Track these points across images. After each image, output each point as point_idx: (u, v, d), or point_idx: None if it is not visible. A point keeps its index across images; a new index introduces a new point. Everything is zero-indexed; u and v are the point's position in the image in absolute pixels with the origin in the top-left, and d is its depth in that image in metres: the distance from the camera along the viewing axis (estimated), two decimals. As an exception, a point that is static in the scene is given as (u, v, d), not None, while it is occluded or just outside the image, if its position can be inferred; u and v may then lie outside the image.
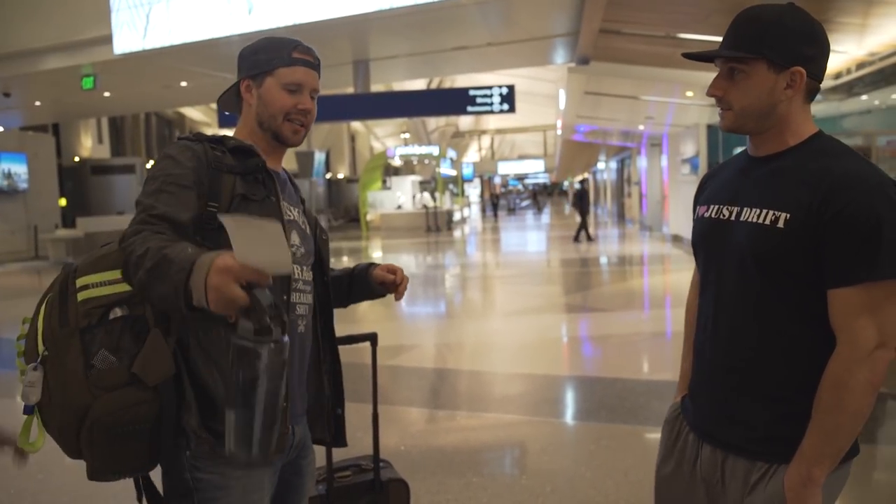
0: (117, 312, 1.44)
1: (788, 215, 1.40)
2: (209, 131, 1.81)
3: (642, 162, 21.90)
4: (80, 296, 1.45)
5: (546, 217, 35.20)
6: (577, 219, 18.84)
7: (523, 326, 8.03)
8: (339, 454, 2.56)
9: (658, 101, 13.30)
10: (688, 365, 1.74)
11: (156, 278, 1.29)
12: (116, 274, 1.45)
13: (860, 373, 1.35)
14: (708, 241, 1.60)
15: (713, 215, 1.58)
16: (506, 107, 12.14)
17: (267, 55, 1.60)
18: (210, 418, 1.46)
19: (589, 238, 17.79)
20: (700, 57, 1.52)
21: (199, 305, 1.22)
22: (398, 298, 1.82)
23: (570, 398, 5.22)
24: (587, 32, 9.14)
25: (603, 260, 14.83)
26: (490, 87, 12.29)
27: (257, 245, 1.19)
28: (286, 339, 1.22)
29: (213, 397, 1.47)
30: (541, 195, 55.58)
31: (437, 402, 5.22)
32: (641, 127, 17.85)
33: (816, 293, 1.40)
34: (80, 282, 1.47)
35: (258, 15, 10.11)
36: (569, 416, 4.81)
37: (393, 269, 1.80)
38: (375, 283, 1.81)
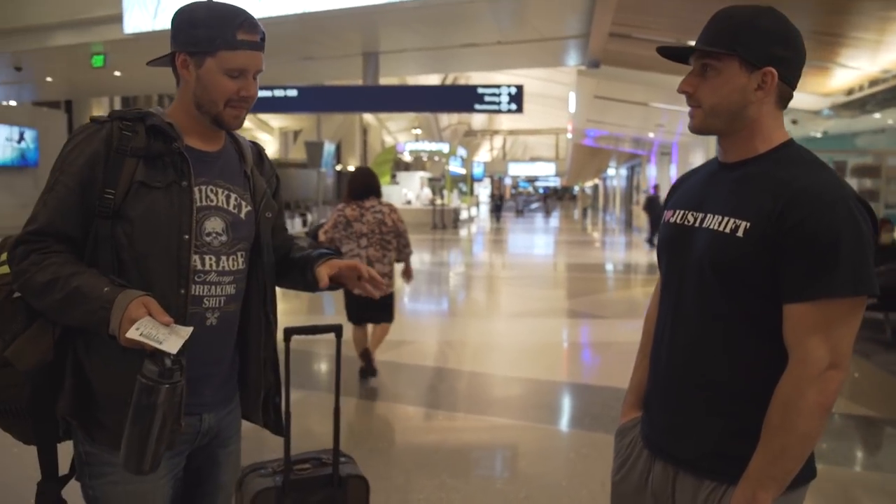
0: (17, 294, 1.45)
1: (749, 224, 1.35)
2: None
3: (652, 170, 21.79)
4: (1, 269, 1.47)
5: (554, 221, 35.08)
6: (647, 224, 18.09)
7: (515, 329, 7.96)
8: (303, 446, 2.51)
9: (668, 109, 13.20)
10: (639, 377, 1.68)
11: (69, 308, 1.37)
12: None
13: (810, 393, 1.29)
14: (670, 247, 1.55)
15: (678, 221, 1.53)
16: (514, 106, 12.03)
17: (208, 32, 1.46)
18: (85, 406, 1.48)
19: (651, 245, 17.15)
20: (675, 54, 1.47)
21: (113, 335, 1.34)
22: (380, 287, 1.68)
23: (555, 404, 5.14)
24: (597, 35, 9.06)
25: (608, 267, 14.74)
26: (499, 86, 12.19)
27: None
28: (183, 381, 1.33)
29: (90, 386, 1.47)
30: (550, 199, 55.40)
31: (420, 400, 5.15)
32: (652, 134, 17.77)
33: (774, 307, 1.34)
34: (2, 256, 1.48)
35: (267, 1, 10.06)
36: (552, 421, 4.74)
37: (354, 267, 1.66)
38: (319, 281, 1.66)
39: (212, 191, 1.54)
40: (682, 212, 1.52)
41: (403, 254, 5.13)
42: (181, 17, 1.50)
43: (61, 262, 1.40)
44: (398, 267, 5.32)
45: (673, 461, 1.49)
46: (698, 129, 1.46)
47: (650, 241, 17.07)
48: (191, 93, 1.51)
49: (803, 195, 1.30)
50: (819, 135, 13.98)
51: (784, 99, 1.42)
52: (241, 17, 1.48)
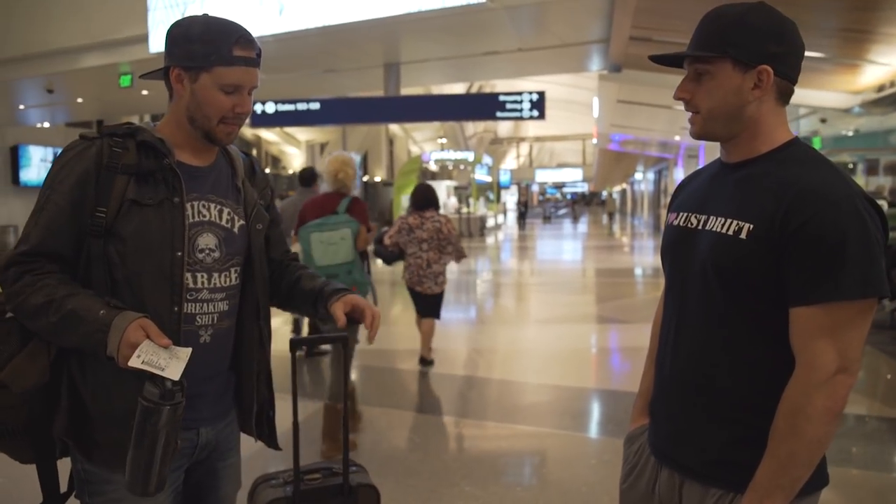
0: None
1: (752, 226, 1.31)
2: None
3: (679, 173, 21.56)
4: None
5: (582, 226, 34.85)
6: None
7: (542, 335, 7.90)
8: (312, 457, 2.53)
9: (693, 111, 13.04)
10: (648, 382, 1.65)
11: (65, 330, 1.37)
12: None
13: (818, 399, 1.25)
14: (673, 250, 1.52)
15: (681, 223, 1.50)
16: (535, 113, 12.00)
17: (204, 48, 1.45)
18: (81, 426, 1.47)
19: None
20: (667, 60, 1.45)
21: (111, 356, 1.35)
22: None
23: (579, 410, 5.09)
24: (617, 40, 9.01)
25: (636, 271, 14.59)
26: (520, 93, 12.17)
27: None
28: (184, 401, 1.34)
29: (86, 406, 1.47)
30: (578, 204, 55.08)
31: (442, 408, 5.14)
32: (678, 137, 17.57)
33: (779, 310, 1.30)
34: None
35: (289, 16, 10.20)
36: (575, 428, 4.68)
37: (360, 309, 1.64)
38: (336, 320, 1.65)
39: (204, 206, 1.54)
40: (685, 214, 1.49)
41: (458, 257, 5.99)
42: (177, 31, 1.49)
43: (55, 284, 1.40)
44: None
45: (679, 469, 1.46)
46: (699, 135, 1.43)
47: None
48: (184, 107, 1.50)
49: (807, 195, 1.26)
50: (850, 133, 13.71)
51: (784, 95, 1.39)
52: (237, 34, 1.47)
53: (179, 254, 1.47)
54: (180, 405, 1.34)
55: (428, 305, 5.92)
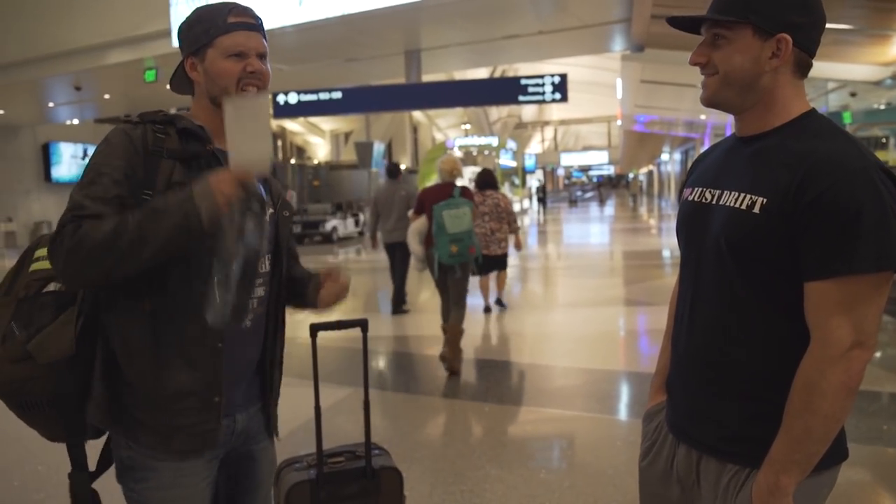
0: (51, 287, 1.46)
1: (765, 200, 1.29)
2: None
3: (706, 152, 21.25)
4: (33, 266, 1.48)
5: (608, 209, 34.60)
6: None
7: (569, 319, 7.89)
8: (336, 440, 2.56)
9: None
10: (665, 360, 1.64)
11: (148, 235, 1.33)
12: (44, 252, 1.45)
13: (833, 374, 1.23)
14: (688, 226, 1.50)
15: (696, 198, 1.48)
16: (558, 96, 11.90)
17: (202, 26, 1.49)
18: (122, 409, 1.47)
19: None
20: (684, 24, 1.42)
21: (209, 220, 1.35)
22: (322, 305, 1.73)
23: (605, 392, 5.07)
24: (639, 18, 8.90)
25: (664, 253, 14.46)
26: (542, 76, 12.07)
27: (246, 140, 1.39)
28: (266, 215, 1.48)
29: (128, 387, 1.46)
30: (605, 187, 54.61)
31: (469, 392, 5.16)
32: (703, 116, 17.32)
33: (793, 285, 1.29)
34: (38, 252, 1.49)
35: (308, 6, 10.22)
36: (602, 410, 4.67)
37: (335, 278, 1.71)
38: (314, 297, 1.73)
39: None
40: (699, 189, 1.48)
41: (513, 227, 7.62)
42: (181, 27, 1.56)
43: (113, 213, 1.37)
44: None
45: (696, 445, 1.46)
46: (711, 99, 1.40)
47: None
48: (204, 91, 1.52)
49: (822, 166, 1.24)
50: (882, 106, 13.40)
51: (802, 67, 1.36)
52: (230, 4, 1.52)
53: None
54: (265, 217, 1.48)
55: (497, 263, 7.62)
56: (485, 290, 7.86)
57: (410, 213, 6.23)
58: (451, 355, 5.33)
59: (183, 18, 1.57)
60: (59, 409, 1.48)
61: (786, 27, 1.30)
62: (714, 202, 1.42)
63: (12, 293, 1.46)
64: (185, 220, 1.33)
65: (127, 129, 1.46)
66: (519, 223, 8.53)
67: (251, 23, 1.51)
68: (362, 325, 2.28)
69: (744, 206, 1.33)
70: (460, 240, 5.30)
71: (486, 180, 7.68)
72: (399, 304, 8.05)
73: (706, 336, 1.43)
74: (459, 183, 5.69)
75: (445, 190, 5.59)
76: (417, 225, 5.63)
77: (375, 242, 8.22)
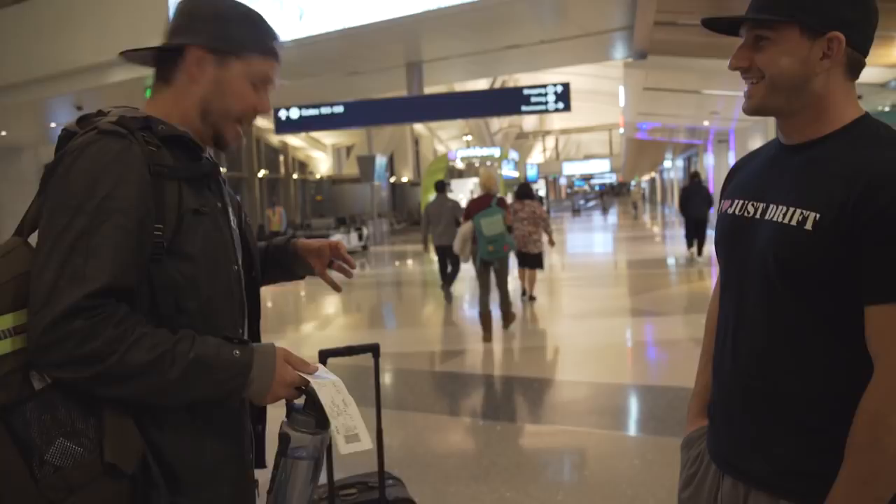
0: (35, 379, 1.06)
1: (818, 215, 1.17)
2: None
3: (709, 159, 21.19)
4: None
5: (612, 218, 34.48)
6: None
7: (575, 331, 7.77)
8: (347, 470, 2.45)
9: (723, 95, 12.78)
10: (704, 381, 1.53)
11: (189, 385, 1.12)
12: (21, 317, 1.07)
13: None
14: (729, 241, 1.38)
15: (737, 212, 1.36)
16: (561, 105, 11.84)
17: (242, 31, 1.26)
18: (177, 495, 1.19)
19: None
20: (723, 26, 1.30)
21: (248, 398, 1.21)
22: (338, 287, 1.60)
23: (618, 407, 4.96)
24: (642, 25, 8.84)
25: (669, 261, 14.34)
26: (544, 86, 12.01)
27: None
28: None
29: (178, 475, 1.19)
30: (607, 195, 54.55)
31: (479, 410, 5.06)
32: (707, 123, 17.26)
33: (850, 307, 1.17)
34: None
35: (309, 20, 10.20)
36: (615, 427, 4.56)
37: (336, 248, 1.55)
38: (302, 257, 1.56)
39: (230, 213, 1.37)
40: (740, 201, 1.36)
41: (547, 230, 9.04)
42: (202, 8, 1.27)
43: (152, 331, 1.11)
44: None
45: (743, 478, 1.33)
46: (757, 108, 1.28)
47: (689, 242, 13.62)
48: (198, 97, 1.26)
49: (883, 179, 1.12)
50: (887, 108, 13.31)
51: (854, 68, 1.24)
52: (272, 26, 1.32)
53: (236, 267, 1.30)
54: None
55: (533, 261, 8.97)
56: (522, 279, 9.26)
57: (461, 219, 7.93)
58: (507, 323, 7.30)
59: (209, 1, 1.29)
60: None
61: (837, 24, 1.18)
62: (758, 216, 1.29)
63: None
64: (227, 393, 1.16)
65: (121, 145, 1.14)
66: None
67: (279, 56, 1.33)
68: (374, 350, 2.18)
69: (793, 223, 1.20)
70: (495, 241, 6.70)
71: (525, 192, 9.25)
72: (448, 286, 9.78)
73: (752, 361, 1.30)
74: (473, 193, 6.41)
75: (485, 200, 7.19)
76: (464, 229, 7.17)
77: (427, 246, 10.32)
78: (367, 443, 1.24)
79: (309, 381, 1.23)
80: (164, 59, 1.27)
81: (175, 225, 1.16)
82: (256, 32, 1.28)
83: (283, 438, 1.23)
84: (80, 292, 1.04)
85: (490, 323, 6.88)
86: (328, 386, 1.26)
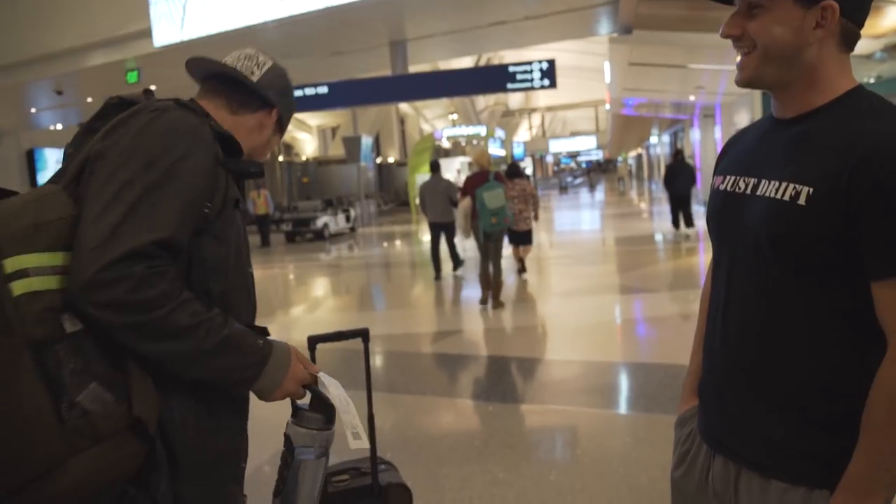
0: (67, 322, 1.05)
1: (812, 189, 1.14)
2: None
3: (695, 134, 21.18)
4: (17, 287, 1.01)
5: (599, 195, 34.50)
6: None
7: (564, 309, 7.79)
8: (338, 451, 2.43)
9: (708, 70, 12.74)
10: (699, 360, 1.51)
11: (213, 358, 1.14)
12: (57, 258, 1.06)
13: None
14: (720, 218, 1.36)
15: (728, 188, 1.34)
16: (546, 82, 11.76)
17: (288, 101, 1.53)
18: (175, 482, 1.17)
19: None
20: None
21: (255, 388, 1.23)
22: None
23: (608, 386, 4.98)
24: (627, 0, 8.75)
25: (656, 237, 14.37)
26: (530, 63, 11.92)
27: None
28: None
29: (178, 460, 1.17)
30: (594, 172, 54.57)
31: (469, 391, 5.07)
32: (693, 97, 17.20)
33: (849, 283, 1.15)
34: (9, 263, 1.02)
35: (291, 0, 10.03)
36: (606, 405, 4.58)
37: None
38: None
39: None
40: (732, 177, 1.33)
41: (536, 207, 9.21)
42: (284, 80, 1.52)
43: (193, 298, 1.13)
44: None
45: (734, 458, 1.33)
46: (750, 79, 1.25)
47: (675, 223, 13.56)
48: (252, 141, 1.44)
49: (879, 151, 1.10)
50: (871, 80, 13.32)
51: (849, 39, 1.21)
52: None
53: (251, 270, 1.36)
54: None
55: (524, 237, 9.23)
56: (516, 256, 9.61)
57: (458, 196, 8.25)
58: (496, 299, 7.45)
59: (282, 74, 1.54)
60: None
61: None
62: (750, 192, 1.27)
63: (14, 332, 0.99)
64: (239, 378, 1.19)
65: (197, 122, 1.24)
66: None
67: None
68: (363, 335, 2.15)
69: (786, 197, 1.18)
70: (498, 213, 7.07)
71: (515, 171, 9.36)
72: (457, 264, 10.28)
73: (742, 338, 1.29)
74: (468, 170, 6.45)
75: (482, 176, 7.54)
76: (464, 205, 7.54)
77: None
78: (366, 442, 1.30)
79: (318, 378, 1.30)
80: (241, 92, 1.43)
81: (219, 209, 1.22)
82: (292, 106, 1.55)
83: (292, 436, 1.27)
84: (147, 238, 1.07)
85: (488, 283, 7.45)
86: (334, 384, 1.31)
